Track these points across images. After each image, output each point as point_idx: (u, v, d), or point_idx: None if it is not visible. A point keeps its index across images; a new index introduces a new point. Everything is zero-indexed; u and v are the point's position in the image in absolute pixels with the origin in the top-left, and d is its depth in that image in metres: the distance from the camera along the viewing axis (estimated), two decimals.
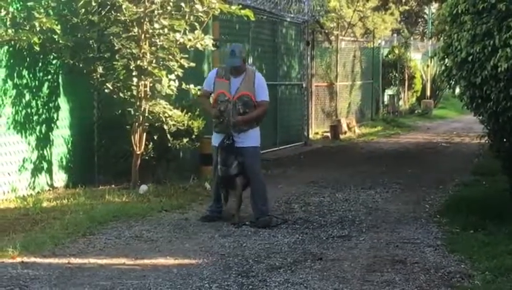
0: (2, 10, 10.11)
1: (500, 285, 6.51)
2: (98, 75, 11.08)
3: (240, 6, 11.79)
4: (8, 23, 10.11)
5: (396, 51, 29.77)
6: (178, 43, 10.91)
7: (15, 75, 10.55)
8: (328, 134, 20.88)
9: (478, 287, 6.51)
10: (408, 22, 36.79)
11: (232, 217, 9.18)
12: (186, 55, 11.05)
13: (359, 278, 6.75)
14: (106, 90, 11.01)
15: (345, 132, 21.34)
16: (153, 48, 10.87)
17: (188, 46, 11.00)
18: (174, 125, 11.20)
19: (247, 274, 6.87)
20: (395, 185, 12.40)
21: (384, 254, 7.68)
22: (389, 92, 29.79)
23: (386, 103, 29.25)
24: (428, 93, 32.45)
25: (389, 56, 30.04)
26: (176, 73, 10.99)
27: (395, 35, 33.35)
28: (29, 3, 10.29)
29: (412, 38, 36.44)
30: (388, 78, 29.24)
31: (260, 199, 9.17)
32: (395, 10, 29.21)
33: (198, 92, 11.31)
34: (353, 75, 24.72)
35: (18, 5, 10.33)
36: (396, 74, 29.37)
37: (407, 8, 30.53)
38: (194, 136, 11.74)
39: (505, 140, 9.23)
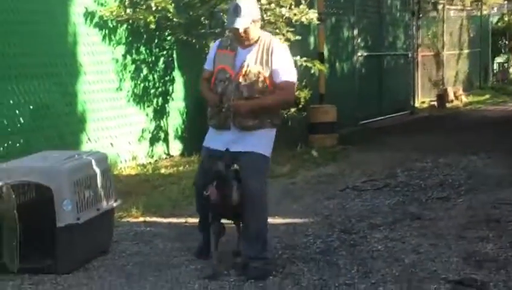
0: None
1: None
2: None
3: None
4: (126, 3, 10.78)
5: (506, 18, 29.40)
6: (284, 17, 11.29)
7: (133, 51, 11.17)
8: (435, 103, 20.99)
9: None
10: None
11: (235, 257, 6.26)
12: (292, 29, 11.45)
13: (454, 235, 7.07)
14: None
15: (452, 101, 21.35)
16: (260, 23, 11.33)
17: (293, 20, 11.36)
18: None
19: (349, 231, 7.28)
20: (498, 151, 12.40)
21: (480, 213, 7.95)
22: (498, 60, 29.44)
23: (495, 71, 28.95)
24: None
25: (499, 24, 29.68)
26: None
27: (506, 2, 32.73)
28: None
29: None
30: (498, 46, 28.93)
31: (256, 235, 5.97)
32: None
33: (304, 64, 11.79)
34: (460, 44, 24.62)
35: None
36: (506, 42, 29.03)
37: None
38: (300, 106, 12.16)
39: None
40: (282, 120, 11.03)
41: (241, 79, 5.94)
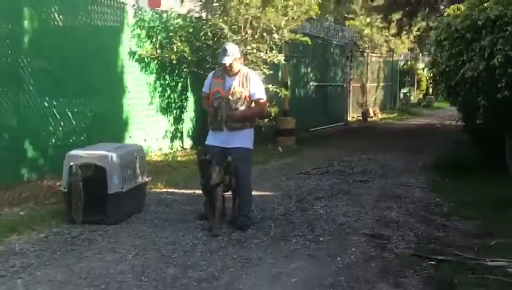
0: (154, 38, 10.83)
1: (459, 210, 6.92)
2: None
3: (302, 34, 12.24)
4: (157, 46, 10.81)
5: (409, 63, 29.66)
6: (262, 58, 11.33)
7: (160, 78, 11.12)
8: (360, 118, 21.14)
9: (445, 211, 6.93)
10: (420, 43, 36.11)
11: (215, 228, 5.87)
12: (267, 66, 11.49)
13: (371, 205, 7.23)
14: None
15: (372, 117, 21.48)
16: (245, 62, 11.37)
17: (268, 60, 11.36)
18: None
19: (302, 201, 7.41)
20: (401, 151, 12.57)
21: (388, 191, 8.11)
22: (403, 90, 29.67)
23: (401, 98, 29.17)
24: (430, 91, 32.07)
25: (404, 67, 29.92)
26: (260, 78, 11.44)
27: (409, 52, 32.92)
28: (170, 34, 10.90)
29: (420, 54, 35.93)
30: (403, 82, 29.17)
31: (243, 198, 6.23)
32: (411, 34, 28.83)
33: (274, 90, 11.84)
34: (378, 79, 24.76)
35: (163, 35, 10.94)
36: (409, 78, 29.30)
37: (418, 33, 30.09)
38: (271, 117, 12.17)
39: (471, 122, 9.38)
40: (258, 127, 11.13)
41: (230, 97, 6.09)
